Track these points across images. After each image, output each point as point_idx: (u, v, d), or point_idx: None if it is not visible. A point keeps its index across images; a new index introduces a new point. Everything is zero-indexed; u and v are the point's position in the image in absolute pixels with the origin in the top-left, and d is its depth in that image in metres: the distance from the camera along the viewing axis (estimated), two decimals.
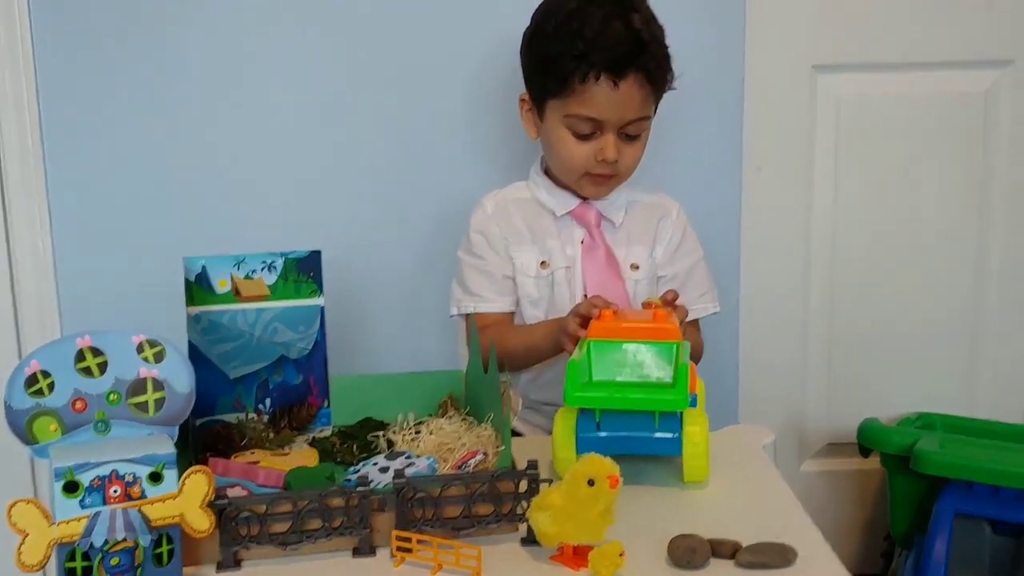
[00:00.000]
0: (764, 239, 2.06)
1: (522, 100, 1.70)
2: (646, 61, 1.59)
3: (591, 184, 1.66)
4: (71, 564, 1.05)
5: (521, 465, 1.19)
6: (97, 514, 1.04)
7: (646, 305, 1.45)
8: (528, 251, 1.69)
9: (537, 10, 1.67)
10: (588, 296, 1.63)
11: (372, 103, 1.92)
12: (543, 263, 1.68)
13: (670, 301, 1.44)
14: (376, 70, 1.90)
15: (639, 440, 1.29)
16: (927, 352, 2.13)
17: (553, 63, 1.60)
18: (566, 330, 1.43)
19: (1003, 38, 2.02)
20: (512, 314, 1.70)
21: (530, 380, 1.67)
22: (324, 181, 1.93)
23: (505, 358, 1.36)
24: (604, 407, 1.28)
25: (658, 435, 1.28)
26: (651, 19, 1.63)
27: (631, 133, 1.63)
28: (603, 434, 1.29)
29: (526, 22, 1.68)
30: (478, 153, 1.94)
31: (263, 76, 1.89)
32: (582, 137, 1.62)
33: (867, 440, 1.97)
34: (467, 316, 1.69)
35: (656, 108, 1.67)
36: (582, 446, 1.29)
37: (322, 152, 1.93)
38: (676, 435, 1.28)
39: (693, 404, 1.31)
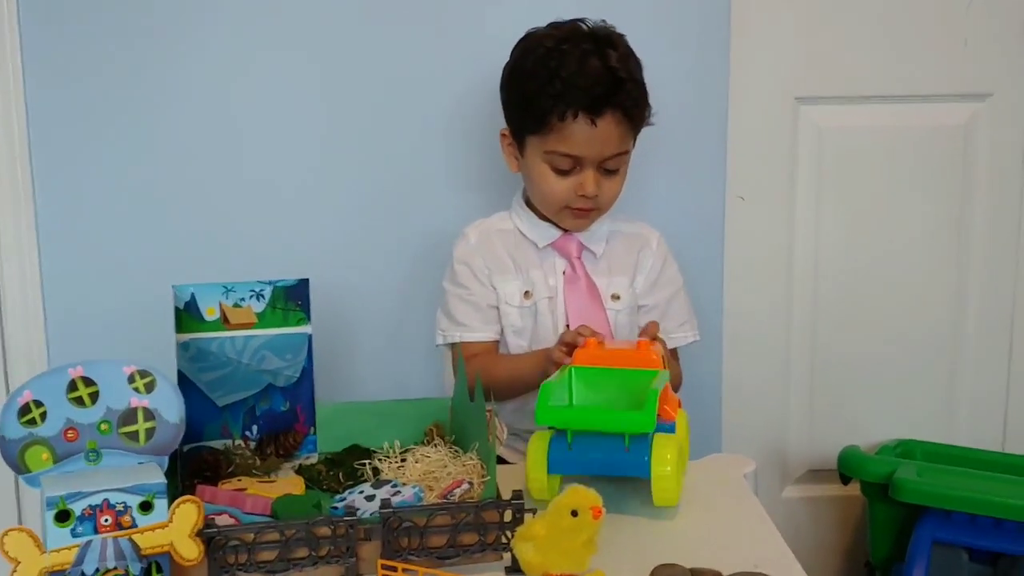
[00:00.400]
0: (747, 267, 2.08)
1: (503, 134, 1.72)
2: (623, 99, 1.61)
3: (572, 217, 1.68)
4: None
5: (506, 495, 1.20)
6: (88, 543, 1.05)
7: None
8: (512, 281, 1.70)
9: (516, 46, 1.69)
10: (570, 326, 1.66)
11: (357, 133, 1.93)
12: (526, 293, 1.70)
13: (652, 336, 1.46)
14: (361, 99, 1.92)
15: (609, 462, 1.30)
16: (907, 380, 2.15)
17: (531, 102, 1.62)
18: (552, 358, 1.46)
19: (981, 72, 2.05)
20: (497, 343, 1.72)
21: (515, 409, 1.69)
22: (309, 209, 1.94)
23: (491, 387, 1.38)
24: (572, 426, 1.30)
25: (628, 457, 1.29)
26: (628, 55, 1.65)
27: (610, 168, 1.65)
28: (574, 455, 1.30)
29: (510, 52, 1.71)
30: (461, 182, 1.95)
31: (250, 107, 1.90)
32: (562, 172, 1.64)
33: (847, 468, 1.99)
34: (453, 345, 1.71)
35: (635, 141, 1.69)
36: (553, 466, 1.31)
37: (307, 181, 1.94)
38: (645, 458, 1.29)
39: (670, 430, 1.33)
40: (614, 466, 1.30)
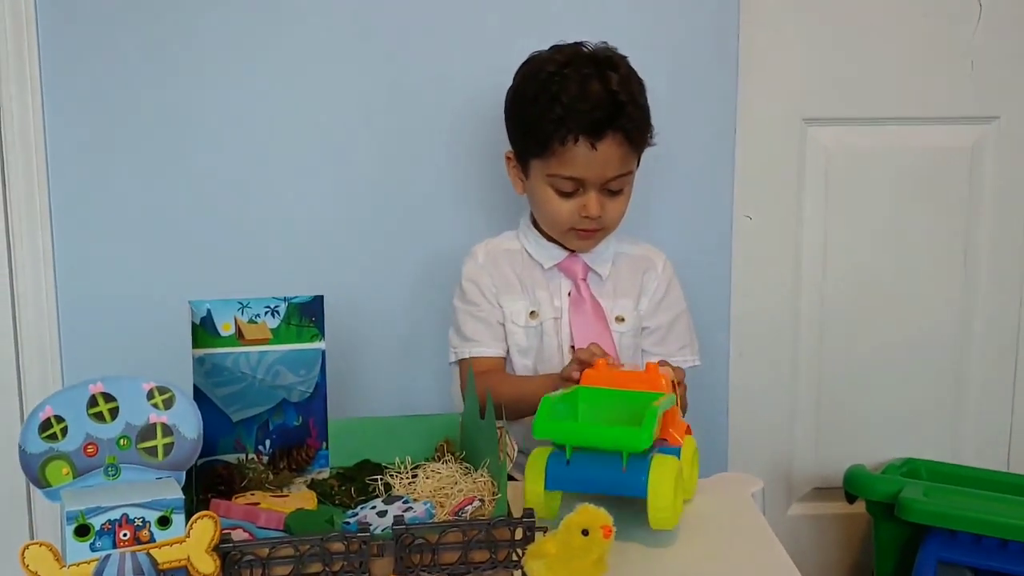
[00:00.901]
0: (754, 286, 2.10)
1: (507, 157, 1.73)
2: (624, 122, 1.61)
3: (577, 238, 1.69)
4: None
5: (516, 512, 1.21)
6: (107, 557, 1.06)
7: None
8: (518, 301, 1.72)
9: (518, 71, 1.70)
10: (575, 347, 1.67)
11: (369, 154, 1.95)
12: (532, 313, 1.71)
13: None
14: (373, 120, 1.94)
15: (606, 480, 1.30)
16: (913, 399, 2.17)
17: (534, 126, 1.63)
18: (565, 376, 1.46)
19: (988, 95, 2.07)
20: (506, 359, 1.73)
21: (520, 430, 1.69)
22: (321, 227, 1.96)
23: (500, 406, 1.38)
24: (569, 441, 1.30)
25: (625, 476, 1.29)
26: (629, 77, 1.66)
27: (613, 188, 1.66)
28: (572, 471, 1.30)
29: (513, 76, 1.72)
30: (471, 202, 1.97)
31: (266, 126, 1.93)
32: (565, 195, 1.65)
33: (853, 487, 2.00)
34: (461, 362, 1.72)
35: (639, 162, 1.70)
36: (551, 482, 1.32)
37: (320, 199, 1.96)
38: (643, 478, 1.28)
39: (675, 454, 1.33)
40: (611, 485, 1.30)
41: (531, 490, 1.33)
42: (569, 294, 1.72)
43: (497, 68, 1.74)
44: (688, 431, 1.41)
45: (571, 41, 1.69)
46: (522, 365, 1.72)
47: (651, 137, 1.69)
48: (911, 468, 2.07)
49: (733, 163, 2.04)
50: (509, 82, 1.72)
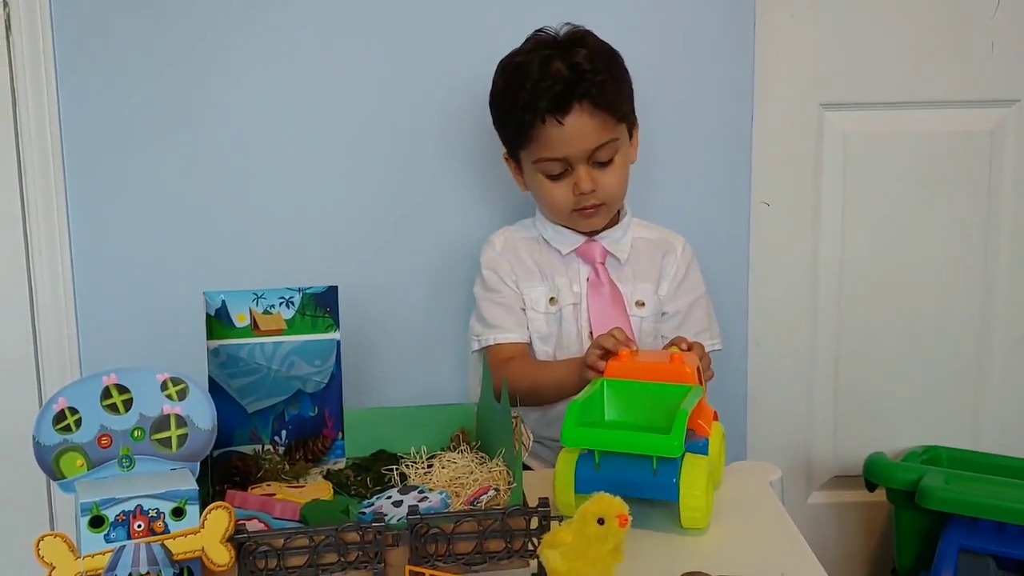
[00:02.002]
0: (772, 273, 2.08)
1: (505, 158, 1.75)
2: (586, 88, 1.61)
3: (582, 219, 1.69)
4: None
5: (532, 501, 1.21)
6: (122, 548, 1.06)
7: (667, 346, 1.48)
8: (537, 287, 1.72)
9: (496, 68, 1.71)
10: (593, 333, 1.66)
11: (384, 144, 1.94)
12: (551, 299, 1.71)
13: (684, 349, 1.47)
14: (388, 112, 1.94)
15: (637, 483, 1.29)
16: (933, 385, 2.15)
17: (508, 118, 1.65)
18: (587, 361, 1.46)
19: (1008, 78, 2.05)
20: (529, 344, 1.72)
21: (538, 417, 1.69)
22: (337, 217, 1.96)
23: (525, 393, 1.37)
24: (599, 448, 1.30)
25: (656, 479, 1.29)
26: (597, 50, 1.65)
27: (601, 159, 1.65)
28: (601, 475, 1.30)
29: None
30: (486, 191, 1.96)
31: (282, 119, 1.92)
32: (555, 177, 1.65)
33: (873, 475, 1.99)
34: (484, 350, 1.72)
35: (631, 131, 1.69)
36: (580, 486, 1.31)
37: (335, 190, 1.95)
38: (674, 480, 1.28)
39: (704, 450, 1.32)
40: (642, 489, 1.29)
41: (561, 494, 1.32)
42: (588, 279, 1.71)
43: None
44: (715, 417, 1.39)
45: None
46: (542, 351, 1.71)
47: (630, 98, 1.68)
48: (932, 455, 2.06)
49: (750, 149, 2.02)
50: None
